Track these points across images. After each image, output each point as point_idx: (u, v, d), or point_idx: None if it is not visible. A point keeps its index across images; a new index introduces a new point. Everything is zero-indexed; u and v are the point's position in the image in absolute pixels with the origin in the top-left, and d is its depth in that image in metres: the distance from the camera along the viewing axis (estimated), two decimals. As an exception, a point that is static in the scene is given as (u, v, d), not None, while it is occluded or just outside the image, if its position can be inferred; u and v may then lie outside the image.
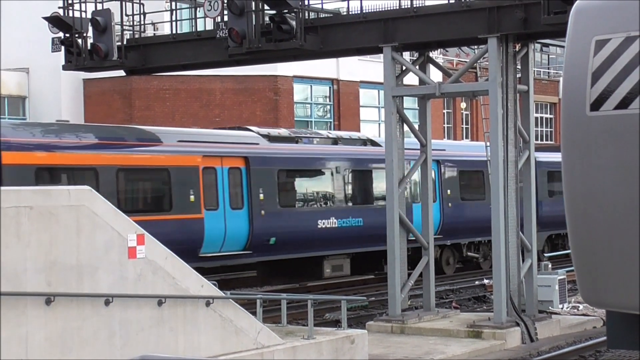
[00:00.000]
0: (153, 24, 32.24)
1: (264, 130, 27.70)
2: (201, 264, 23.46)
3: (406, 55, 26.93)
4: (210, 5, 22.23)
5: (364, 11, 21.83)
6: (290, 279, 28.62)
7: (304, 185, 28.06)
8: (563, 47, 9.40)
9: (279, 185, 26.65)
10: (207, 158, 24.59)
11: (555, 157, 33.62)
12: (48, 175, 21.55)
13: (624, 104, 8.56)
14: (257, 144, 26.43)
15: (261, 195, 25.81)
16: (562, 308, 23.72)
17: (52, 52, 24.83)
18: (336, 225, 25.71)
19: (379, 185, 28.09)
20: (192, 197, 24.19)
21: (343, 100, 45.79)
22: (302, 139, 28.28)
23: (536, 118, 53.82)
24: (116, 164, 22.85)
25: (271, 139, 27.10)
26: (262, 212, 25.78)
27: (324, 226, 26.23)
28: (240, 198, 25.54)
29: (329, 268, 27.00)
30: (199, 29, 24.69)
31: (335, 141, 28.68)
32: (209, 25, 26.24)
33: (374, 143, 30.07)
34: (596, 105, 8.72)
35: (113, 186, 22.55)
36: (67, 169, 22.04)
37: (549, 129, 59.62)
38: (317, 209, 27.53)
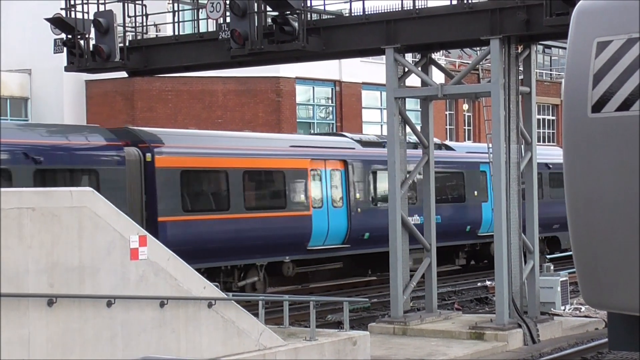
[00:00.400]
0: (155, 25, 32.27)
1: (357, 136, 30.83)
2: (308, 256, 27.32)
3: (408, 56, 26.92)
4: (212, 6, 22.24)
5: (367, 12, 21.84)
6: (379, 270, 30.64)
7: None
8: (565, 48, 9.39)
9: (372, 185, 29.52)
10: (314, 161, 27.41)
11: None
12: (193, 175, 24.70)
13: (625, 105, 8.56)
14: (353, 148, 29.36)
15: (357, 195, 28.79)
16: (564, 309, 23.70)
17: (54, 53, 24.84)
18: (419, 222, 26.51)
19: (452, 185, 32.45)
20: (302, 197, 27.15)
21: (345, 102, 45.78)
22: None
23: (538, 119, 53.79)
24: (242, 166, 25.56)
25: (363, 143, 29.95)
26: (359, 209, 28.69)
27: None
28: (340, 197, 28.21)
29: (411, 261, 28.22)
30: (201, 31, 24.68)
31: (415, 146, 29.53)
32: (211, 27, 26.24)
33: (447, 147, 33.15)
34: (598, 107, 8.72)
35: (240, 186, 25.49)
36: (206, 171, 25.14)
37: (551, 131, 59.60)
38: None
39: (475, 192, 33.03)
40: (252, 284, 26.13)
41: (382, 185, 28.87)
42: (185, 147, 24.63)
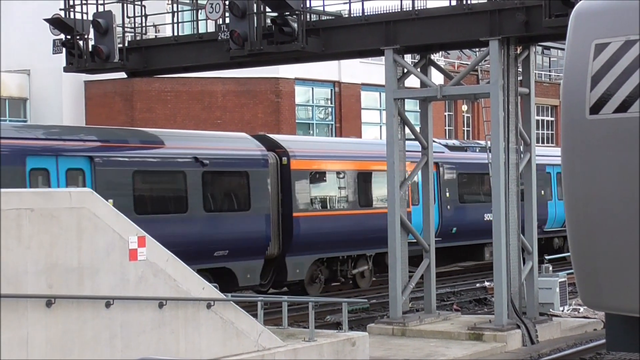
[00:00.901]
0: (154, 26, 32.24)
1: (444, 141, 34.69)
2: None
3: (408, 57, 26.94)
4: (211, 7, 22.23)
5: (366, 13, 21.85)
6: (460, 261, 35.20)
7: (474, 185, 34.39)
8: (564, 49, 9.40)
9: (459, 185, 33.08)
10: (413, 164, 28.14)
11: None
12: (319, 177, 28.13)
13: (623, 107, 8.57)
14: (443, 152, 32.48)
15: (447, 194, 32.39)
16: (562, 310, 23.72)
17: (53, 54, 24.84)
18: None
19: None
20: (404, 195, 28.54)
21: (344, 103, 45.80)
22: (469, 148, 35.00)
23: (537, 121, 53.82)
24: (356, 169, 28.84)
25: (450, 148, 33.77)
26: (448, 207, 32.39)
27: (488, 219, 28.56)
28: (433, 195, 29.29)
29: (488, 253, 31.59)
30: (200, 31, 24.66)
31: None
32: (211, 28, 26.24)
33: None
34: (596, 108, 8.73)
35: (355, 186, 28.87)
36: (329, 172, 28.48)
37: (550, 132, 59.63)
38: (483, 205, 31.70)
39: (542, 192, 35.22)
40: (361, 273, 29.51)
41: (467, 185, 33.71)
42: (311, 152, 28.00)
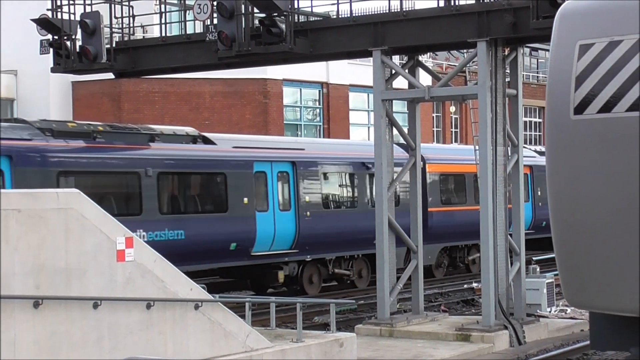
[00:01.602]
0: (142, 26, 32.27)
1: (533, 147, 38.94)
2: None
3: (396, 59, 26.97)
4: (199, 8, 22.23)
5: (354, 14, 21.89)
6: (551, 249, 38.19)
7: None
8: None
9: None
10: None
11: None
12: (446, 178, 33.26)
13: (607, 107, 8.62)
14: (534, 157, 36.58)
15: (539, 192, 36.85)
16: (550, 311, 23.77)
17: (40, 54, 24.78)
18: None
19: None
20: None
21: (332, 104, 45.80)
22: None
23: (525, 122, 53.92)
24: (470, 171, 31.05)
25: (539, 153, 37.13)
26: (540, 204, 36.74)
27: None
28: (525, 194, 33.64)
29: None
30: (188, 32, 24.64)
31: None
32: (199, 28, 26.26)
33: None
34: (580, 109, 8.77)
35: (470, 185, 32.96)
36: (452, 175, 33.28)
37: (537, 133, 59.73)
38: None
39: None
40: (473, 259, 34.27)
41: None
42: (439, 157, 33.32)
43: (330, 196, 29.41)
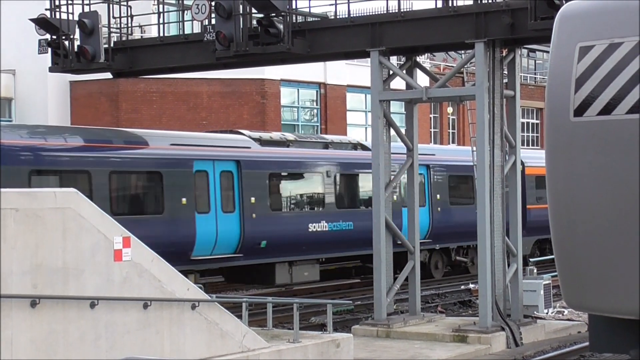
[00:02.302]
0: (140, 26, 32.26)
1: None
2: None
3: (393, 59, 26.99)
4: (197, 8, 22.22)
5: (352, 15, 21.88)
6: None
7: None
8: (549, 52, 9.43)
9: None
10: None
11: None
12: (539, 178, 35.29)
13: (607, 110, 8.61)
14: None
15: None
16: (547, 313, 23.78)
17: (38, 54, 24.77)
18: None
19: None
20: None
21: (330, 104, 45.80)
22: None
23: (522, 123, 53.92)
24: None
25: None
26: None
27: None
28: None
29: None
30: (186, 32, 24.64)
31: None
32: (197, 28, 26.25)
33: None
34: (580, 111, 8.77)
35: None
36: (541, 176, 33.94)
37: (535, 134, 59.76)
38: None
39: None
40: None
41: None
42: (533, 161, 35.99)
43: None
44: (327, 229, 28.35)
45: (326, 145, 29.81)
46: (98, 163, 23.09)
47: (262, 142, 27.31)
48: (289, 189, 28.24)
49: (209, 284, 26.23)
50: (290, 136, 28.89)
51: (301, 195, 28.89)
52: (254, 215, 26.27)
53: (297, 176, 28.52)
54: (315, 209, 28.73)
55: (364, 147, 30.20)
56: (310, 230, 27.92)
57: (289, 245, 27.13)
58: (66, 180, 21.86)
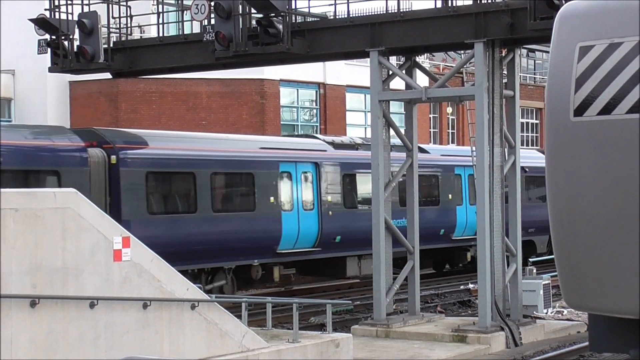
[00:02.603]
0: (140, 26, 32.22)
1: None
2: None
3: (393, 59, 26.99)
4: (197, 8, 22.22)
5: (351, 15, 21.88)
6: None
7: None
8: (549, 52, 9.44)
9: None
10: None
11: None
12: None
13: (607, 109, 8.62)
14: None
15: None
16: (546, 313, 23.79)
17: (38, 54, 24.79)
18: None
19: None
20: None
21: (329, 104, 45.80)
22: None
23: (522, 123, 53.91)
24: None
25: None
26: None
27: None
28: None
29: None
30: (185, 32, 24.64)
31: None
32: (196, 29, 26.25)
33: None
34: (580, 110, 8.78)
35: None
36: None
37: (534, 134, 59.78)
38: None
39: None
40: None
41: None
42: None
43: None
44: (402, 224, 28.93)
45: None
46: (202, 165, 25.14)
47: (335, 146, 29.68)
48: (359, 188, 30.01)
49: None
50: (357, 139, 31.16)
51: (370, 194, 29.36)
52: (330, 212, 28.48)
53: (366, 176, 29.07)
54: None
55: (422, 150, 31.88)
56: None
57: (359, 240, 28.28)
58: (175, 180, 24.91)
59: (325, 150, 28.96)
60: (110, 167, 21.79)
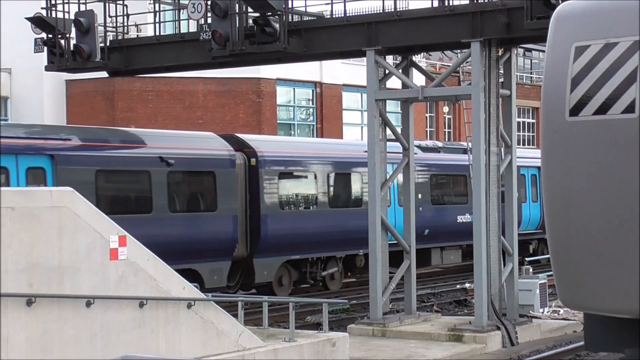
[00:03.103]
0: (136, 25, 32.20)
1: None
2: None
3: (389, 58, 27.02)
4: (193, 7, 22.23)
5: (348, 14, 21.88)
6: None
7: None
8: (545, 51, 9.46)
9: None
10: None
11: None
12: None
13: (602, 109, 8.63)
14: None
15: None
16: (542, 312, 23.81)
17: (34, 52, 24.78)
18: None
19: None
20: None
21: (326, 104, 45.81)
22: None
23: (518, 122, 53.98)
24: None
25: None
26: None
27: None
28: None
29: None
30: (182, 31, 24.69)
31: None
32: (193, 27, 26.27)
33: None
34: (575, 110, 8.79)
35: None
36: None
37: (531, 134, 59.81)
38: None
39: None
40: None
41: None
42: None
43: None
44: (470, 220, 30.15)
45: (465, 151, 32.06)
46: (321, 166, 28.83)
47: (422, 149, 32.64)
48: (443, 187, 33.62)
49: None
50: (439, 143, 34.78)
51: (451, 192, 34.20)
52: (420, 208, 29.80)
53: (447, 177, 33.97)
54: (461, 204, 33.70)
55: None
56: (458, 221, 33.04)
57: (443, 234, 32.09)
58: (300, 179, 28.68)
59: (416, 153, 29.12)
60: (250, 168, 24.26)
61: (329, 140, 33.71)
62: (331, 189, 29.17)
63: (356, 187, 29.79)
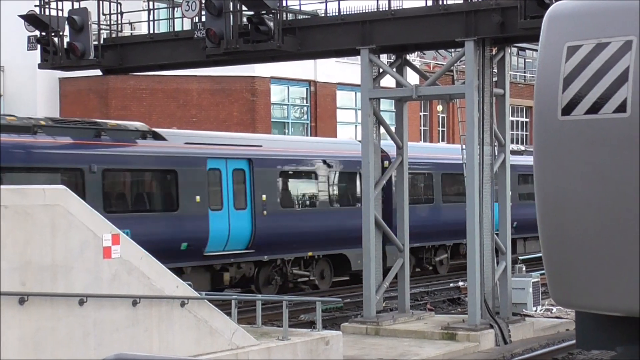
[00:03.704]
0: (130, 23, 32.21)
1: None
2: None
3: (383, 57, 27.00)
4: (187, 5, 22.22)
5: (342, 13, 21.89)
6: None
7: None
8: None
9: None
10: None
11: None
12: None
13: (594, 109, 8.66)
14: None
15: None
16: (535, 310, 23.84)
17: (27, 50, 24.76)
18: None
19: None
20: None
21: (320, 102, 45.84)
22: None
23: (512, 121, 54.03)
24: None
25: None
26: None
27: None
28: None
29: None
30: (176, 29, 24.67)
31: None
32: (187, 26, 26.25)
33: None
34: (567, 110, 8.81)
35: None
36: None
37: (524, 132, 59.88)
38: None
39: None
40: None
41: None
42: None
43: None
44: None
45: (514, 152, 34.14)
46: (434, 168, 33.46)
47: (512, 152, 34.32)
48: (520, 183, 36.57)
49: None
50: (522, 147, 37.34)
51: (530, 189, 36.43)
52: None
53: (528, 177, 34.95)
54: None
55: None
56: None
57: (527, 226, 33.18)
58: (417, 177, 33.29)
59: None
60: (383, 169, 24.82)
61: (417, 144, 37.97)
62: (441, 186, 34.39)
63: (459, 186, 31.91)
